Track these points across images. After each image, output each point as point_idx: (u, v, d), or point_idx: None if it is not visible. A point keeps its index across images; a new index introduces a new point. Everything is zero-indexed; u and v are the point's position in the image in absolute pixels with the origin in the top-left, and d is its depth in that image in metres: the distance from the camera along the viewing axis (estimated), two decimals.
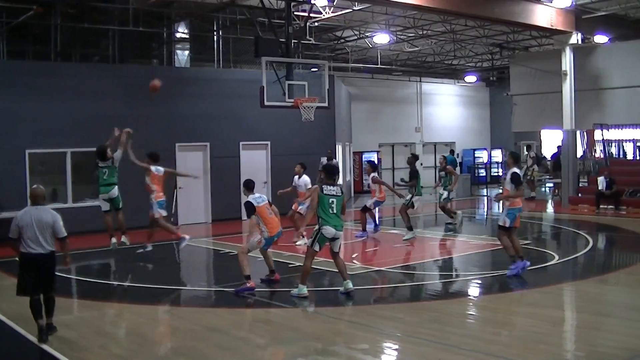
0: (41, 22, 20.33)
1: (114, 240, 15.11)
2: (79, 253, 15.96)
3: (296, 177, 16.54)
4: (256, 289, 11.24)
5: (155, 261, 15.44)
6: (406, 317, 9.52)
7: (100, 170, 14.97)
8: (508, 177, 12.39)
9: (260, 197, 11.39)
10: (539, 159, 38.19)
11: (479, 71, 37.15)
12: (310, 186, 14.53)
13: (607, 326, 9.08)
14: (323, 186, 10.64)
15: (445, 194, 19.11)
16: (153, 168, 15.34)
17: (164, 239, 18.24)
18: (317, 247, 10.51)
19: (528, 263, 12.12)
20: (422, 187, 17.55)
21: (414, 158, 17.84)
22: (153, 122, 20.37)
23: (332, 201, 10.48)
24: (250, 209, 11.11)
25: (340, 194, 10.64)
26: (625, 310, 9.97)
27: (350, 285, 10.57)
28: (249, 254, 11.37)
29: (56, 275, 8.99)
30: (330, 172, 10.98)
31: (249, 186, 11.53)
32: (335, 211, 10.52)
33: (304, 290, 10.46)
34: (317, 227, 10.49)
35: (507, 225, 12.03)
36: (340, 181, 25.36)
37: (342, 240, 11.14)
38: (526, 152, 29.83)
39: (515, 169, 12.44)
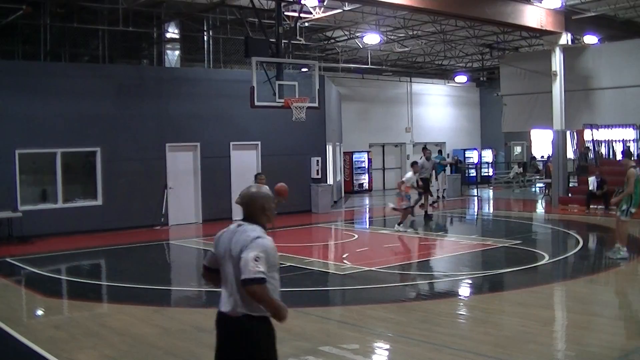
0: (30, 22, 20.24)
1: None
2: (69, 253, 15.97)
3: None
4: None
5: (145, 261, 15.41)
6: (396, 317, 9.53)
7: None
8: None
9: None
10: (530, 159, 38.53)
11: (469, 71, 37.21)
12: None
13: (597, 326, 9.11)
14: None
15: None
16: None
17: (157, 239, 18.23)
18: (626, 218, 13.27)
19: None
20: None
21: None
22: (143, 122, 20.35)
23: None
24: None
25: None
26: (614, 310, 10.02)
27: (622, 254, 13.27)
28: None
29: None
30: None
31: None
32: None
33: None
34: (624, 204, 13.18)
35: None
36: (330, 180, 25.57)
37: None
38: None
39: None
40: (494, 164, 39.29)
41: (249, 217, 4.65)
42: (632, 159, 16.53)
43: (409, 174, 18.60)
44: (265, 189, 4.71)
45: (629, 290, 11.56)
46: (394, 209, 19.22)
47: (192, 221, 21.32)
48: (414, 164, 19.44)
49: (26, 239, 17.29)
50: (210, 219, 21.12)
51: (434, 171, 25.78)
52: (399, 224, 18.12)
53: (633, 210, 13.42)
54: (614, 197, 14.27)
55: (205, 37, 24.50)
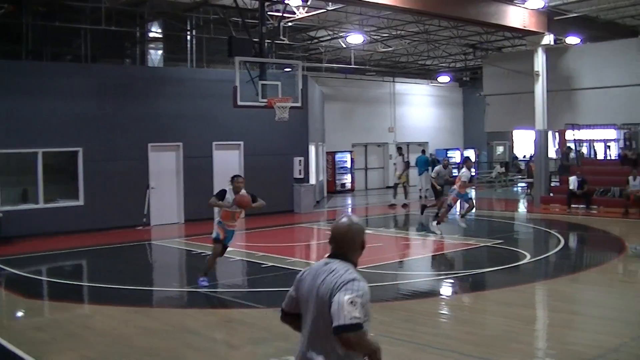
0: (12, 21, 20.07)
1: None
2: (50, 254, 15.84)
3: None
4: (228, 290, 11.13)
5: (127, 262, 15.32)
6: (379, 316, 9.51)
7: None
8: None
9: None
10: (512, 158, 38.74)
11: (452, 71, 37.32)
12: None
13: (579, 324, 9.17)
14: None
15: None
16: None
17: (139, 239, 18.13)
18: None
19: None
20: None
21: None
22: (126, 121, 20.20)
23: None
24: None
25: None
26: (596, 308, 10.08)
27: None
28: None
29: None
30: None
31: None
32: None
33: None
34: None
35: None
36: (313, 180, 25.55)
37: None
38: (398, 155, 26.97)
39: None
40: (477, 164, 39.41)
41: (341, 254, 3.88)
42: None
43: (463, 170, 17.96)
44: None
45: (611, 288, 11.63)
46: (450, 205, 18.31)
47: (175, 221, 21.20)
48: (467, 159, 19.21)
49: (6, 240, 17.13)
50: (193, 219, 21.01)
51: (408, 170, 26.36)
52: (437, 224, 17.57)
53: None
54: None
55: (189, 37, 24.40)
